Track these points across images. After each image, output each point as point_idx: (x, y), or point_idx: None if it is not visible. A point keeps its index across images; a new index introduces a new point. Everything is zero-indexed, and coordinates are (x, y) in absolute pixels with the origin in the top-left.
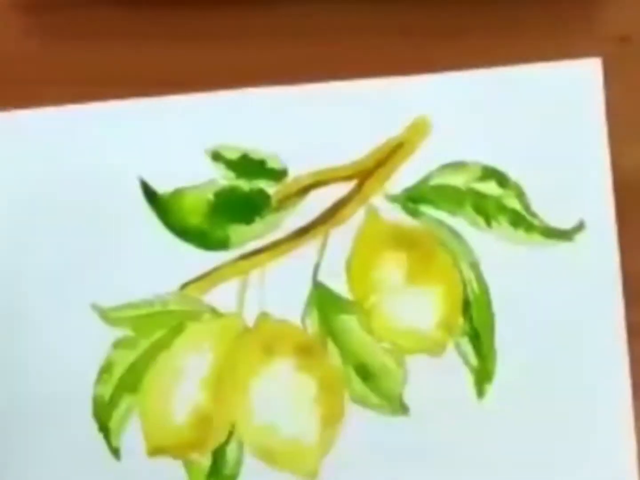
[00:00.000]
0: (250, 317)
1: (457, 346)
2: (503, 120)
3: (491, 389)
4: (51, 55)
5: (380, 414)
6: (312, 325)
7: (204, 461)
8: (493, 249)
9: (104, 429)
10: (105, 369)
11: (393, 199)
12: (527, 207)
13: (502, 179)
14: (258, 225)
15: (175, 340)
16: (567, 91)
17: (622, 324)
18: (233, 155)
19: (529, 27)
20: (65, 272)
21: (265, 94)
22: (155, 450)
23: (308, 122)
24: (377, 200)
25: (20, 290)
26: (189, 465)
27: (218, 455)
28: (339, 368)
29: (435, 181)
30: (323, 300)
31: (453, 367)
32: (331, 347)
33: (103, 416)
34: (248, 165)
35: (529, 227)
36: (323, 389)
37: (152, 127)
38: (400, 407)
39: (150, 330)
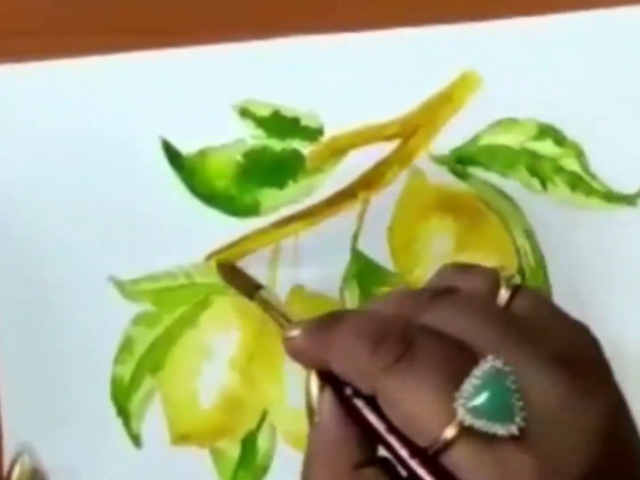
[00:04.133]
0: (283, 291)
1: None
2: (560, 73)
3: None
4: (66, 5)
5: None
6: (351, 300)
7: (233, 450)
8: (549, 214)
9: (123, 413)
10: (125, 348)
11: (440, 160)
12: (586, 168)
13: (559, 138)
14: (291, 189)
15: (200, 316)
16: (632, 41)
17: None
18: (263, 112)
19: None
20: (81, 242)
21: (299, 43)
22: (180, 438)
23: (346, 75)
24: (422, 162)
25: (35, 260)
26: (216, 455)
27: (248, 443)
28: None
29: (486, 140)
30: (363, 272)
31: None
32: None
33: (122, 399)
34: (280, 123)
35: (589, 191)
36: None
37: (174, 81)
38: None
39: (173, 305)
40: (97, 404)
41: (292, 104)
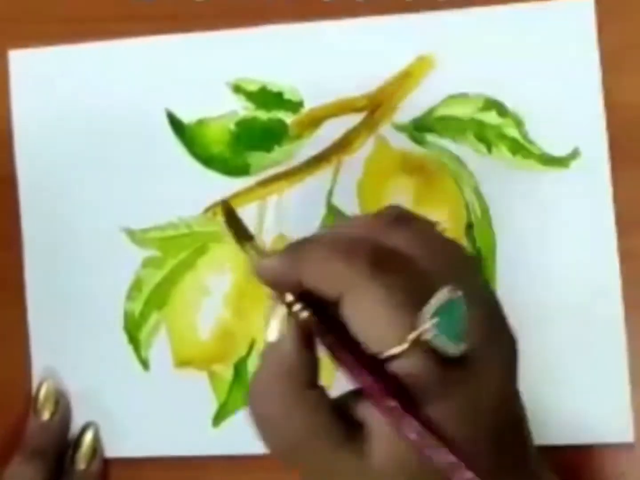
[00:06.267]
0: (268, 239)
1: None
2: (503, 55)
3: None
4: None
5: None
6: None
7: (227, 373)
8: (493, 174)
9: (134, 341)
10: (135, 287)
11: (400, 128)
12: (525, 135)
13: (501, 109)
14: (276, 153)
15: (199, 260)
16: (562, 28)
17: (614, 247)
18: (252, 88)
19: None
20: (100, 197)
21: (283, 31)
22: (182, 363)
23: (323, 57)
24: (386, 130)
25: (63, 213)
26: (213, 377)
27: (240, 367)
28: None
29: (440, 112)
30: None
31: None
32: None
33: (133, 330)
34: (267, 97)
35: (527, 154)
36: None
37: (178, 62)
38: None
39: (176, 251)
40: (112, 334)
41: (277, 81)
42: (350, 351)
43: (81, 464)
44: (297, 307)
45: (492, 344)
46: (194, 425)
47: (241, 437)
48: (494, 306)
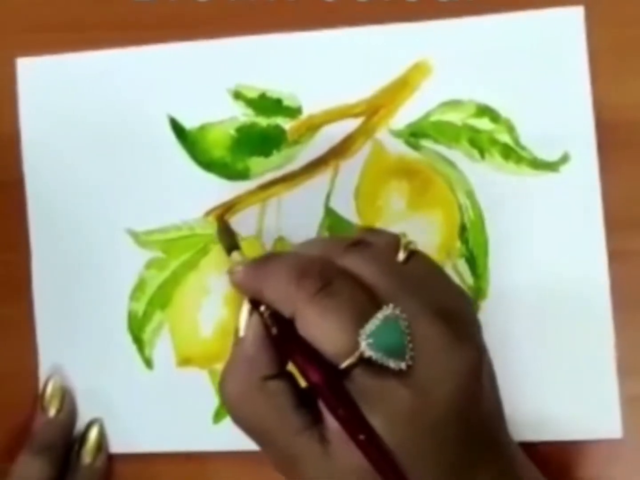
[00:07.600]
0: (268, 241)
1: (455, 267)
2: (496, 63)
3: (485, 305)
4: (93, 5)
5: None
6: None
7: None
8: (486, 178)
9: (138, 341)
10: (139, 287)
11: (397, 133)
12: (516, 140)
13: (494, 116)
14: (275, 157)
15: (201, 261)
16: (552, 36)
17: (603, 248)
18: (252, 94)
19: None
20: (105, 200)
21: (282, 39)
22: (184, 361)
23: (321, 64)
24: (382, 135)
25: (70, 216)
26: (214, 374)
27: None
28: None
29: (435, 117)
30: (334, 225)
31: None
32: None
33: (137, 330)
34: (266, 103)
35: (519, 159)
36: None
37: (180, 69)
38: None
39: (179, 252)
40: (116, 334)
41: (276, 88)
42: (306, 356)
43: (87, 459)
44: (261, 308)
45: (441, 358)
46: (196, 421)
47: (241, 433)
48: (455, 320)
